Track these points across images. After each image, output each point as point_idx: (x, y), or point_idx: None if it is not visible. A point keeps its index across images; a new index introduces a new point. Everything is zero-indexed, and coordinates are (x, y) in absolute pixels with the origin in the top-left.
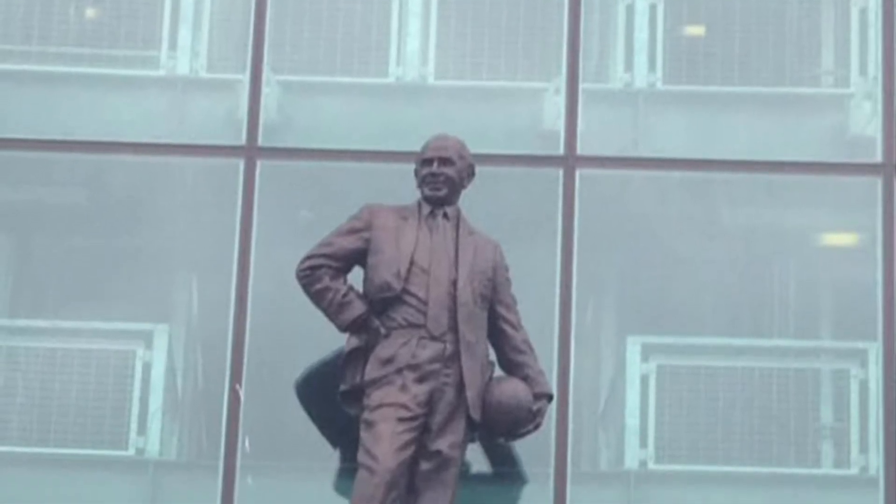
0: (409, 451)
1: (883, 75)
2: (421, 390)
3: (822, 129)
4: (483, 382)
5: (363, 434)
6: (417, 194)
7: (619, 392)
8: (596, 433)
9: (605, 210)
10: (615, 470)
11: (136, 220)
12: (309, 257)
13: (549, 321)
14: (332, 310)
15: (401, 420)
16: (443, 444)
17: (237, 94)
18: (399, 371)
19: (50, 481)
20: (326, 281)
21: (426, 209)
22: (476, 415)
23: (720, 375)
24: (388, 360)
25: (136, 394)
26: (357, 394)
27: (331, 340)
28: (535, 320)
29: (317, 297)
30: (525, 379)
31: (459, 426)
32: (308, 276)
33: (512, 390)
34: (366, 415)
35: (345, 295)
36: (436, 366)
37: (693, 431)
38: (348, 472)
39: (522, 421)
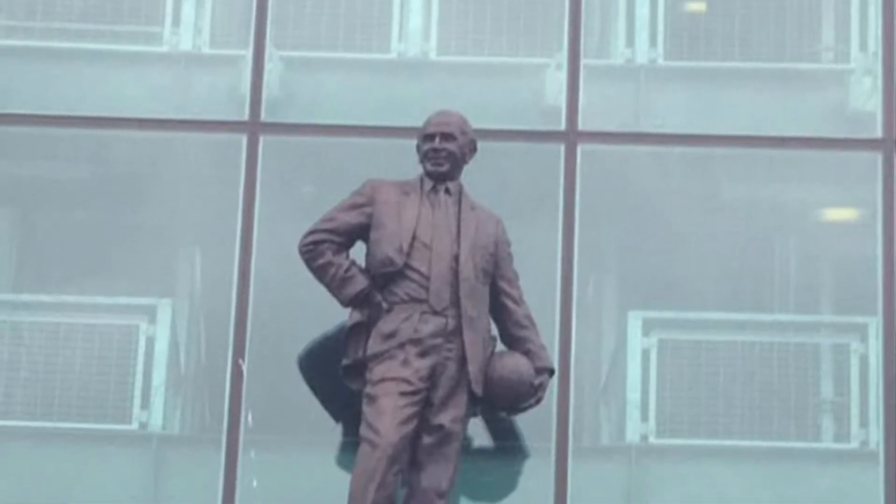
0: (411, 426)
1: (883, 51)
2: (423, 365)
3: (823, 105)
4: (485, 357)
5: (365, 408)
6: (419, 170)
7: (621, 366)
8: (597, 408)
9: (606, 185)
10: (616, 444)
11: (140, 196)
12: (311, 232)
13: (551, 296)
14: (335, 285)
15: (403, 394)
16: (445, 418)
17: (240, 70)
18: (401, 346)
19: (53, 456)
20: (329, 256)
21: (428, 184)
22: (478, 389)
23: (721, 350)
24: (390, 335)
25: (140, 368)
26: (359, 368)
27: (333, 315)
28: (536, 295)
29: (319, 272)
30: (527, 353)
31: (461, 400)
32: (311, 251)
33: (514, 365)
34: (368, 389)
35: (347, 270)
36: (438, 340)
37: (694, 406)
38: (350, 445)
39: (524, 395)
